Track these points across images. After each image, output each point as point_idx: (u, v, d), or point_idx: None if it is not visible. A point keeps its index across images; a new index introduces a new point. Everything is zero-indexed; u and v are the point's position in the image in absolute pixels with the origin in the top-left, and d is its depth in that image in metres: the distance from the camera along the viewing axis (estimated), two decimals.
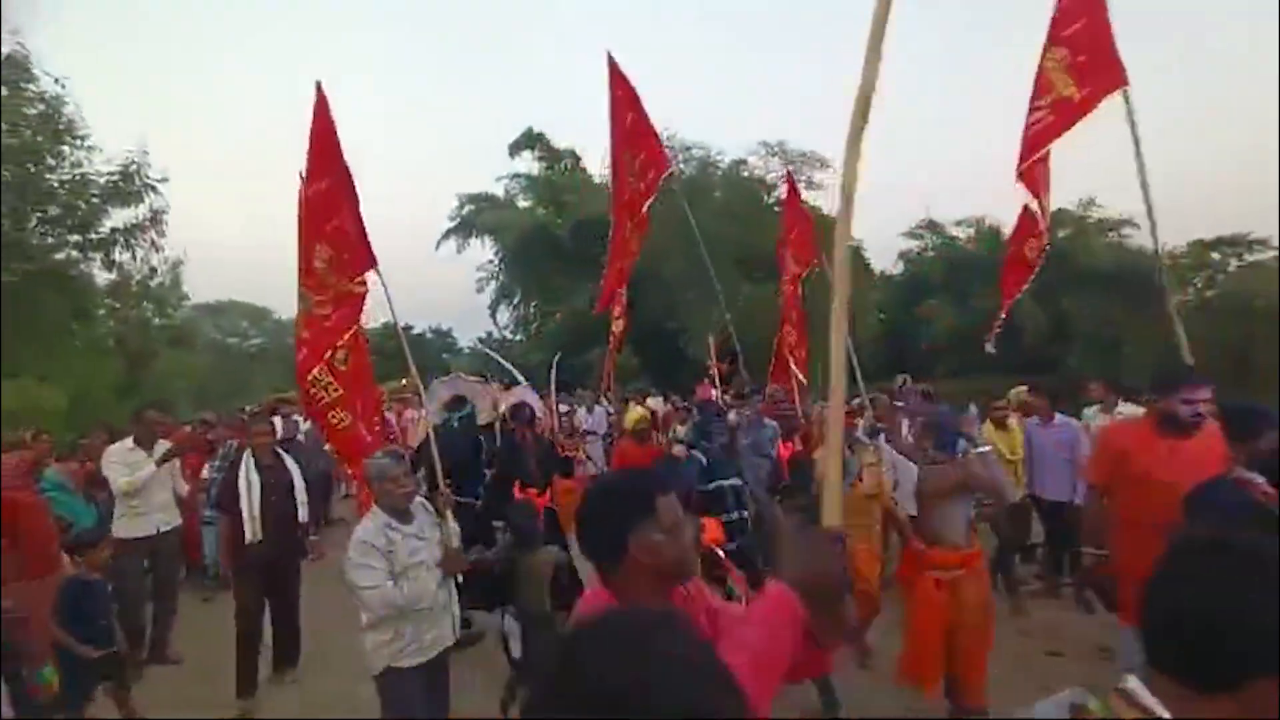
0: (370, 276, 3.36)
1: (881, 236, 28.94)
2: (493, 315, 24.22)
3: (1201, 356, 2.68)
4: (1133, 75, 3.20)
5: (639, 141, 5.19)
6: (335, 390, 3.26)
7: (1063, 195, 23.10)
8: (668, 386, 13.95)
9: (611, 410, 8.91)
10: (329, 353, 3.21)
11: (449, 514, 2.92)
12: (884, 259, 23.49)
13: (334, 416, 3.29)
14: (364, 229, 3.23)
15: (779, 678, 1.03)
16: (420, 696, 2.52)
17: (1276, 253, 20.76)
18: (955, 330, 19.42)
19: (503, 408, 5.30)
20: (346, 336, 3.28)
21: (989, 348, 4.59)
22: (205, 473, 5.16)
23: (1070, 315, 20.88)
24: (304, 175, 3.20)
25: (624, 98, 5.08)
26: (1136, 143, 3.15)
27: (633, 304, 18.26)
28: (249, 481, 3.69)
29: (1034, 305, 20.90)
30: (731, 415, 4.93)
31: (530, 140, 24.62)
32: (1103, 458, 2.79)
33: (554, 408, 7.59)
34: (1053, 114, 3.49)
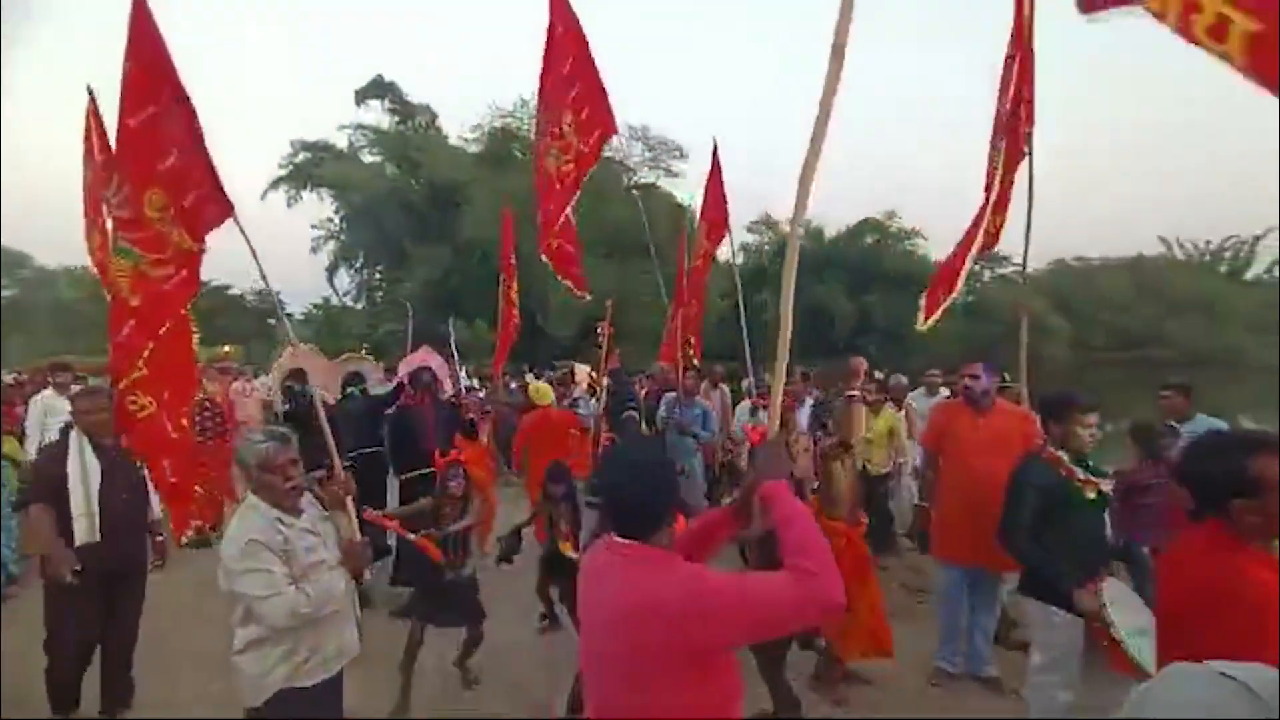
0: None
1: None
2: (330, 279, 22.20)
3: (960, 351, 3.45)
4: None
5: (579, 93, 4.27)
6: (139, 370, 2.61)
7: (873, 206, 26.56)
8: (527, 363, 13.99)
9: (470, 385, 8.76)
10: (165, 325, 2.59)
11: (349, 502, 2.47)
12: (726, 250, 25.50)
13: (132, 400, 2.61)
14: (213, 171, 2.59)
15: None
16: (318, 717, 2.14)
17: (1019, 268, 26.38)
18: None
19: (402, 372, 4.95)
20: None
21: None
22: None
23: (872, 310, 24.48)
24: (122, 101, 2.51)
25: (565, 36, 4.18)
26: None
27: (491, 277, 17.98)
28: (84, 467, 2.89)
29: (845, 300, 24.33)
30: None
31: (380, 89, 22.66)
32: (932, 430, 3.49)
33: (456, 371, 7.32)
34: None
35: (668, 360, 6.31)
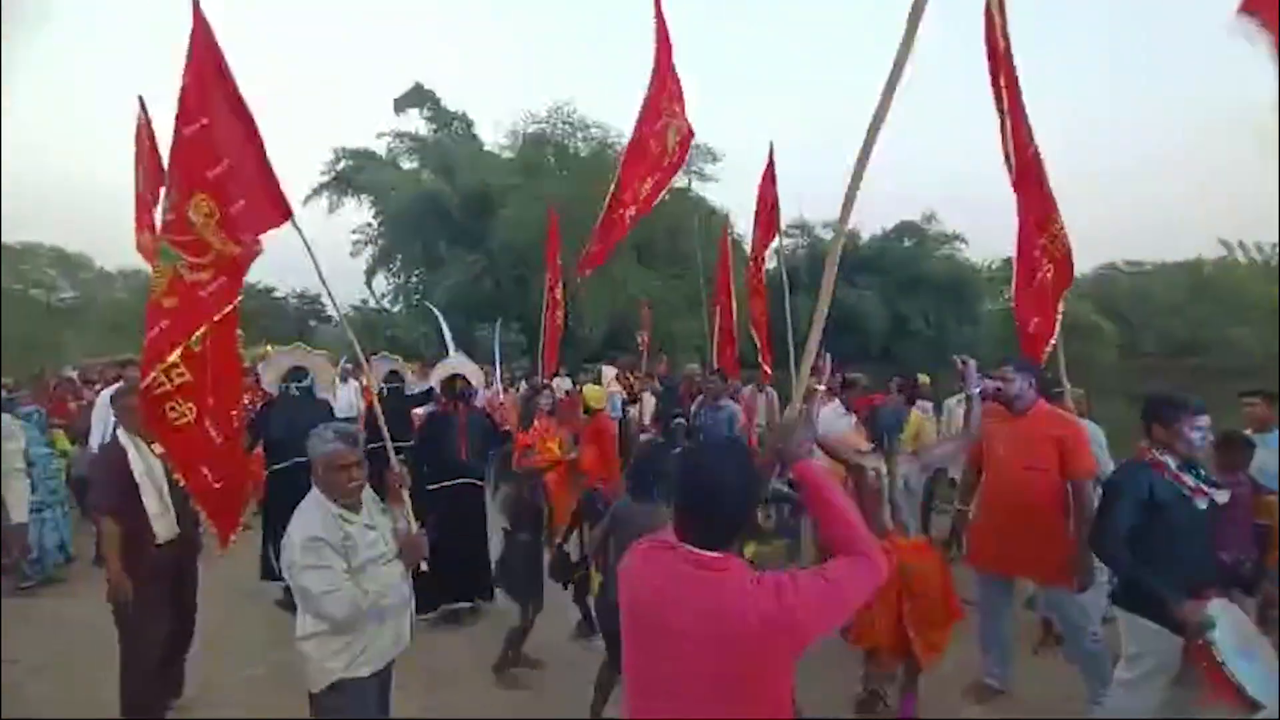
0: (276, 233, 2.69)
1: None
2: (368, 282, 22.77)
3: (1001, 357, 3.31)
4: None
5: (672, 94, 4.31)
6: (180, 376, 2.49)
7: (912, 209, 25.95)
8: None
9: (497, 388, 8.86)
10: (199, 330, 2.50)
11: (405, 495, 2.60)
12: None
13: (172, 409, 2.50)
14: (271, 176, 2.66)
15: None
16: (372, 710, 2.22)
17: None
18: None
19: (435, 378, 4.92)
20: (226, 311, 2.59)
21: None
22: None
23: (909, 315, 23.89)
24: (178, 111, 2.55)
25: (663, 34, 4.25)
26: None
27: (523, 282, 18.19)
28: (149, 466, 2.91)
29: (879, 304, 23.80)
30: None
31: (419, 97, 23.20)
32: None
33: (499, 378, 7.47)
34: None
35: (728, 364, 6.31)
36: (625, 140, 4.82)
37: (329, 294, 2.95)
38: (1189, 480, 2.37)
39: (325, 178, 22.25)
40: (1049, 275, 3.41)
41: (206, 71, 2.58)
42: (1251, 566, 3.07)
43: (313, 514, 2.10)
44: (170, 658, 3.10)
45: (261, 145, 2.67)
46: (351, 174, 22.22)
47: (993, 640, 3.27)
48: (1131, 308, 28.80)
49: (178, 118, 2.56)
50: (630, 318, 17.48)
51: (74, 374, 8.72)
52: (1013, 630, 3.31)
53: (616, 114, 29.35)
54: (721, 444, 1.54)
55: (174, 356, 2.46)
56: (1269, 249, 33.75)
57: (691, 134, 4.42)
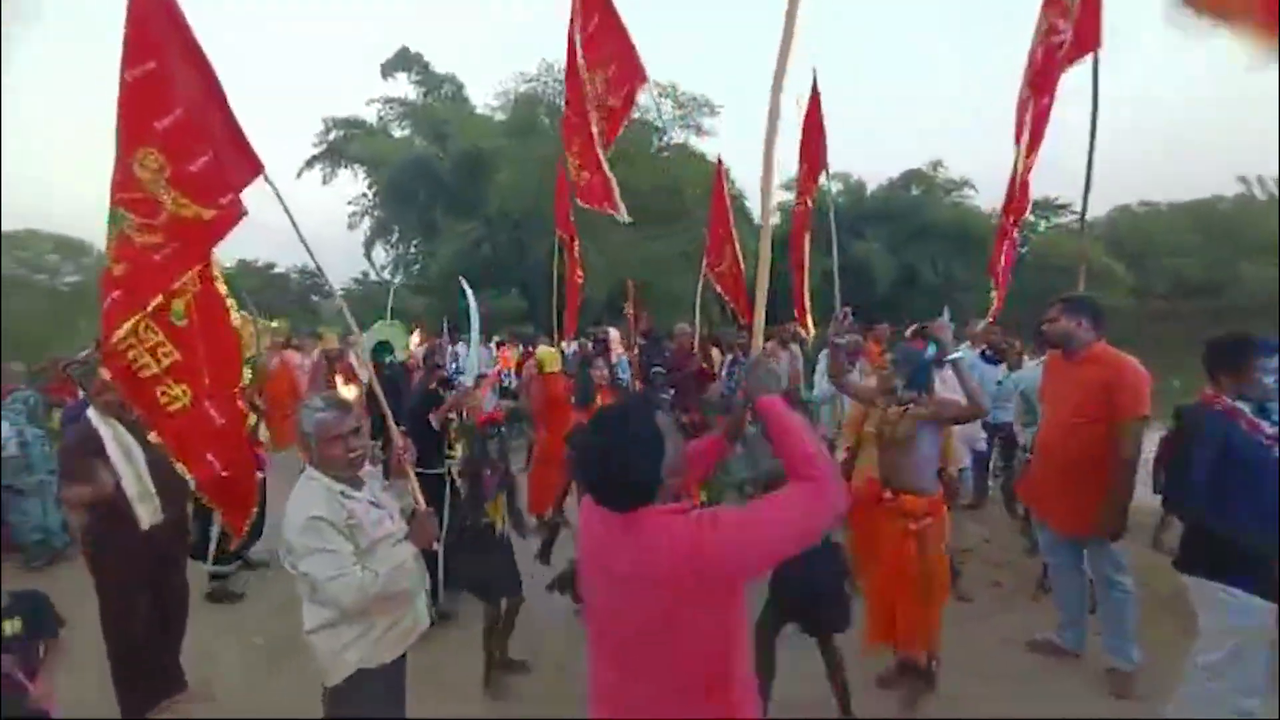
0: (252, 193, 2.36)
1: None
2: (368, 254, 22.58)
3: (1017, 306, 3.17)
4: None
5: (608, 50, 4.30)
6: (168, 354, 2.28)
7: (918, 157, 25.26)
8: (551, 330, 13.99)
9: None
10: (155, 299, 2.24)
11: (412, 473, 2.37)
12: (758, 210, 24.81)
13: (164, 393, 2.29)
14: (236, 129, 2.36)
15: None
16: (396, 698, 2.10)
17: (1077, 216, 24.76)
18: (825, 276, 21.29)
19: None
20: (187, 278, 2.30)
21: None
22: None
23: (918, 265, 23.49)
24: (122, 54, 2.26)
25: None
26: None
27: (522, 247, 17.96)
28: (123, 447, 2.78)
29: (886, 255, 23.38)
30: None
31: (405, 61, 22.53)
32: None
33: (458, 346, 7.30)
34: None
35: (750, 319, 6.11)
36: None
37: (310, 253, 2.60)
38: (1267, 428, 2.14)
39: (317, 149, 21.86)
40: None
41: (150, 11, 2.27)
42: None
43: (311, 492, 1.92)
44: (162, 650, 2.94)
45: (222, 94, 2.35)
46: (343, 144, 21.79)
47: (1061, 597, 3.17)
48: (1144, 249, 28.16)
49: (122, 61, 2.25)
50: (630, 277, 17.27)
51: (88, 354, 8.72)
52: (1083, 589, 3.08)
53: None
54: (616, 410, 1.40)
55: (131, 327, 2.21)
56: None
57: (643, 79, 4.32)
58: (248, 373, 2.73)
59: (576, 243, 6.62)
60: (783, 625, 2.60)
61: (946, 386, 3.00)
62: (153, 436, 2.38)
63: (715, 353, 6.62)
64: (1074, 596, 3.12)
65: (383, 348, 4.53)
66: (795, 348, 6.12)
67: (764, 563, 1.31)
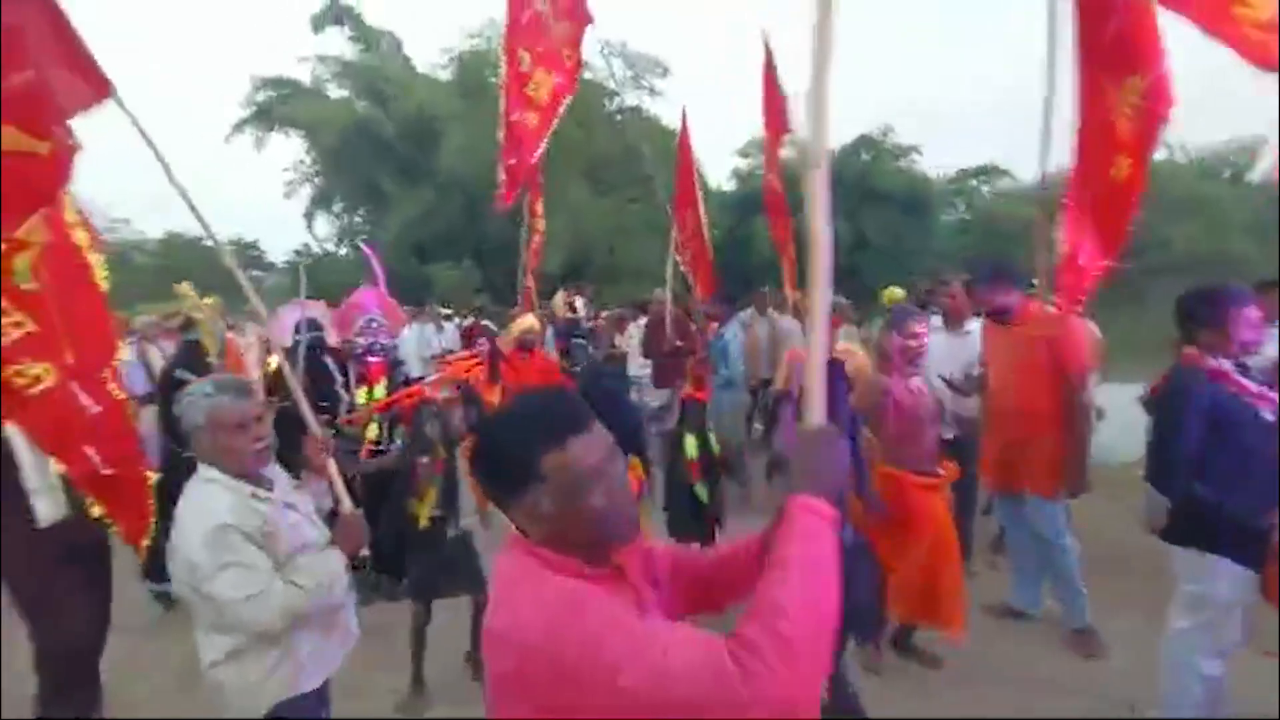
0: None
1: (716, 153, 30.17)
2: (309, 225, 21.38)
3: (961, 269, 3.23)
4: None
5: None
6: (18, 325, 1.85)
7: (867, 122, 25.62)
8: (509, 301, 13.72)
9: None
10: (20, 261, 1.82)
11: (332, 466, 2.03)
12: (718, 175, 24.63)
13: (18, 373, 1.86)
14: (73, 44, 1.87)
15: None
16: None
17: (1016, 183, 25.81)
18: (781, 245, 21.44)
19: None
20: (28, 225, 1.86)
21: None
22: None
23: (867, 230, 23.96)
24: None
25: None
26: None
27: (474, 213, 17.33)
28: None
29: (841, 221, 23.72)
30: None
31: (336, 13, 21.00)
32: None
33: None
34: None
35: (706, 293, 6.04)
36: None
37: (201, 221, 2.10)
38: (1252, 387, 2.02)
39: (246, 111, 20.33)
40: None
41: None
42: None
43: (211, 496, 1.60)
44: (78, 665, 2.53)
45: (51, 3, 1.85)
46: (275, 105, 20.32)
47: (1015, 560, 3.24)
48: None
49: None
50: (588, 246, 16.94)
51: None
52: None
53: None
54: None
55: None
56: (1208, 150, 34.59)
57: (588, 19, 4.13)
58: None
59: (540, 197, 6.28)
60: None
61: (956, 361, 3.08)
62: (9, 427, 1.94)
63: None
64: (1026, 557, 3.20)
65: (314, 325, 4.16)
66: (775, 315, 6.02)
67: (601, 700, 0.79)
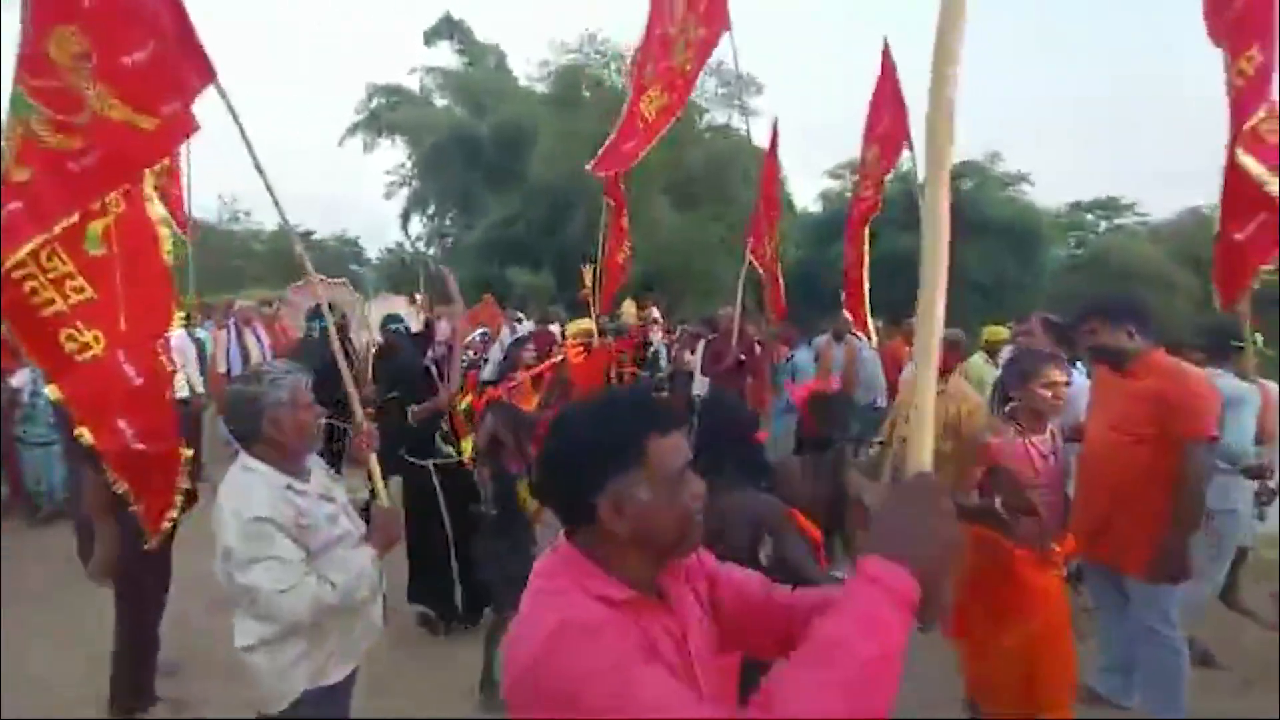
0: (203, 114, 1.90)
1: (805, 174, 29.47)
2: (404, 225, 22.68)
3: (1071, 309, 2.82)
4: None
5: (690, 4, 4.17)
6: (79, 290, 1.85)
7: (971, 148, 24.20)
8: (584, 310, 13.75)
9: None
10: (66, 220, 1.80)
11: (372, 460, 2.05)
12: (806, 196, 23.98)
13: (70, 337, 1.85)
14: (185, 21, 1.89)
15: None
16: (341, 712, 1.84)
17: (1141, 218, 23.37)
18: (871, 267, 20.54)
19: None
20: (110, 198, 1.88)
21: None
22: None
23: (966, 261, 22.46)
24: None
25: None
26: None
27: (557, 222, 17.71)
28: None
29: None
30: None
31: (449, 28, 22.30)
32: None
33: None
34: None
35: (778, 314, 5.75)
36: None
37: (289, 227, 2.22)
38: None
39: (359, 116, 21.89)
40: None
41: None
42: None
43: (251, 487, 1.62)
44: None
45: None
46: (385, 112, 21.77)
47: (1104, 639, 2.82)
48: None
49: None
50: (663, 260, 16.86)
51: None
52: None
53: None
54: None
55: (21, 254, 1.74)
56: None
57: (726, 24, 4.16)
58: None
59: (625, 211, 6.18)
60: None
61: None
62: (52, 391, 1.89)
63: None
64: (1118, 640, 2.73)
65: (392, 320, 4.33)
66: (854, 340, 5.53)
67: None
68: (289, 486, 1.66)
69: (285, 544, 1.59)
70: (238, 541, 1.56)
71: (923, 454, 0.85)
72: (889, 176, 5.14)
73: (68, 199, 1.80)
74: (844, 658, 0.69)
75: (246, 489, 1.62)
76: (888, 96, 4.67)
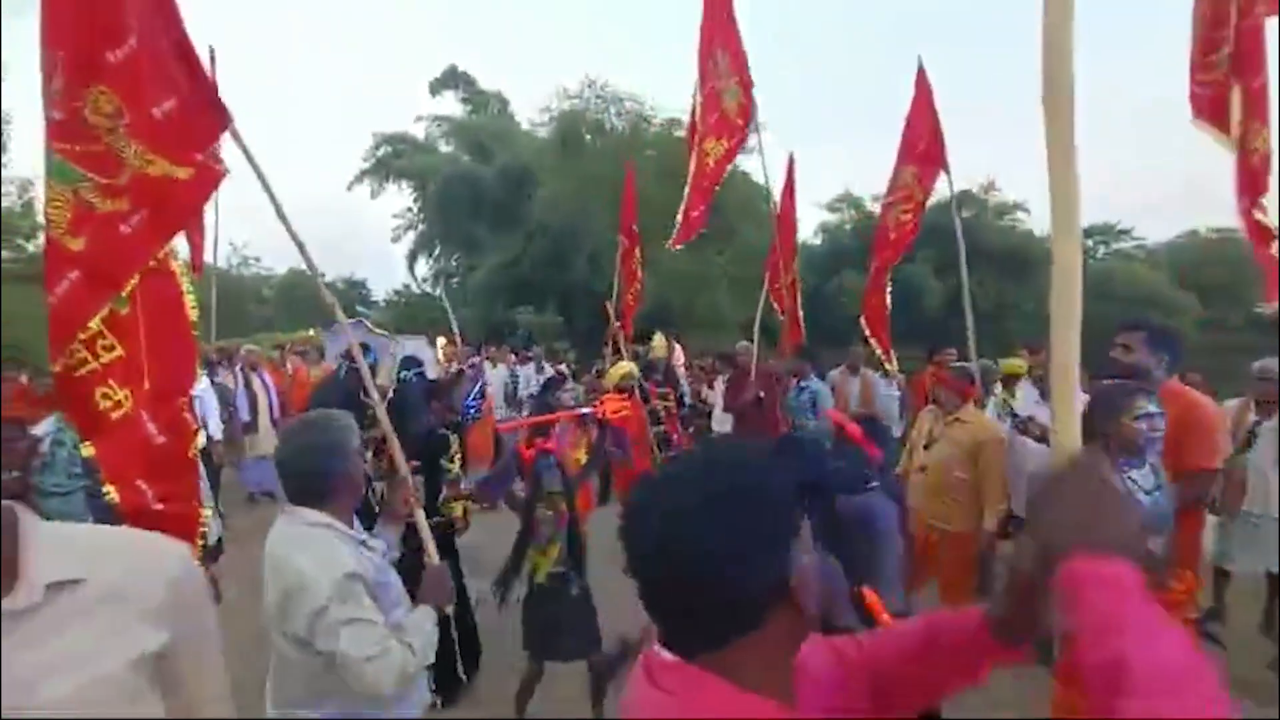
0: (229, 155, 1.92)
1: (802, 207, 29.97)
2: (410, 267, 23.09)
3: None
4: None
5: (729, 36, 4.28)
6: (109, 349, 1.83)
7: (968, 178, 24.61)
8: (591, 347, 13.85)
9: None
10: (130, 282, 1.82)
11: (420, 515, 1.92)
12: (804, 229, 24.35)
13: (105, 395, 1.84)
14: (197, 67, 1.90)
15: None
16: None
17: (1139, 241, 23.59)
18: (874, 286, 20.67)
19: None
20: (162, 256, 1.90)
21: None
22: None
23: (964, 289, 22.61)
24: None
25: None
26: None
27: (561, 262, 18.00)
28: None
29: (935, 280, 22.58)
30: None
31: (454, 79, 23.14)
32: None
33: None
34: None
35: (795, 341, 5.76)
36: (661, 115, 4.78)
37: (314, 270, 2.20)
38: None
39: (367, 163, 22.55)
40: None
41: None
42: None
43: (331, 544, 1.44)
44: None
45: (178, 19, 1.84)
46: (391, 159, 22.43)
47: None
48: (1215, 278, 26.51)
49: None
50: (667, 295, 17.05)
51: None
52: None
53: (651, 87, 28.57)
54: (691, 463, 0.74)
55: (95, 323, 1.74)
56: None
57: (749, 94, 4.32)
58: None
59: (638, 250, 6.33)
60: None
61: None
62: (86, 449, 1.87)
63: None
64: None
65: (411, 364, 4.22)
66: (869, 373, 5.58)
67: None
68: (364, 543, 1.52)
69: (370, 605, 1.43)
70: (332, 603, 1.37)
71: (1069, 428, 0.76)
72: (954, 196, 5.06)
73: (126, 262, 1.81)
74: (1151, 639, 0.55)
75: (328, 545, 1.45)
76: (924, 115, 4.51)
